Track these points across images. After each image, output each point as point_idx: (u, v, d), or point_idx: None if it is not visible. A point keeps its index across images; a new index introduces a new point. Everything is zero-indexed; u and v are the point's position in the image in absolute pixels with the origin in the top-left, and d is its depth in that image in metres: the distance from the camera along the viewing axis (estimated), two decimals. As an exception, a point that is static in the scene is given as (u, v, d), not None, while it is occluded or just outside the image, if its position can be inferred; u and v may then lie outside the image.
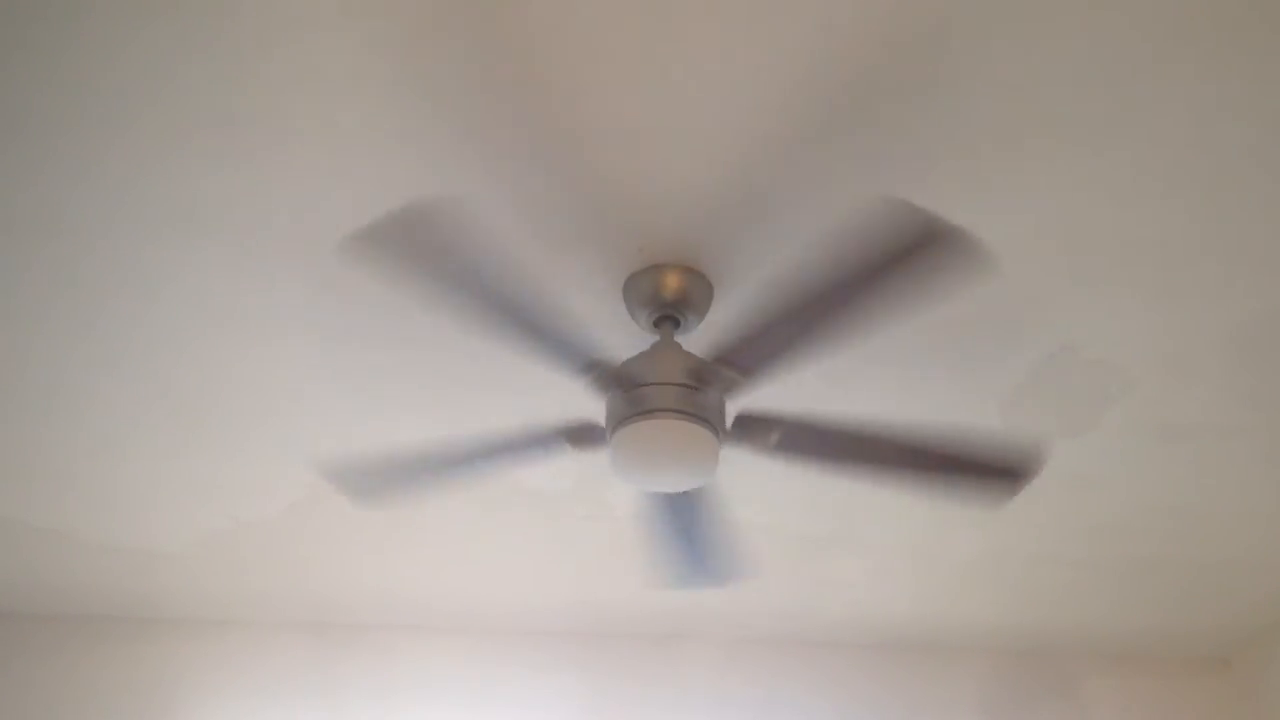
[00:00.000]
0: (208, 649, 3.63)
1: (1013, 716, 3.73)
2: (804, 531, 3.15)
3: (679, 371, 2.01)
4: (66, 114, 1.83)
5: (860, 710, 3.72)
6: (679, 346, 2.11)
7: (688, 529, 2.39)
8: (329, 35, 1.70)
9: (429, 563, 3.36)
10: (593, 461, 2.81)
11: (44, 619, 3.63)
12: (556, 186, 1.98)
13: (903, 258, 1.70)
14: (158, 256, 2.16)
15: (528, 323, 1.91)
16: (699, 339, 2.29)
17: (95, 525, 3.15)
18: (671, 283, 2.18)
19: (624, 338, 2.30)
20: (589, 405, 2.47)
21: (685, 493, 2.25)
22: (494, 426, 2.66)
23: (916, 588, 3.48)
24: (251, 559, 3.36)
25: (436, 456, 2.20)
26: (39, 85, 1.78)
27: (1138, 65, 1.74)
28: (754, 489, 2.92)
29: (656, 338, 2.19)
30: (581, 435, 2.14)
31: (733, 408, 2.14)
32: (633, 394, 2.01)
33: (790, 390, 2.46)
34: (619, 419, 2.02)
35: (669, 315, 2.18)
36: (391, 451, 2.31)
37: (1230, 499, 2.97)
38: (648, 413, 1.98)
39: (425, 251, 1.76)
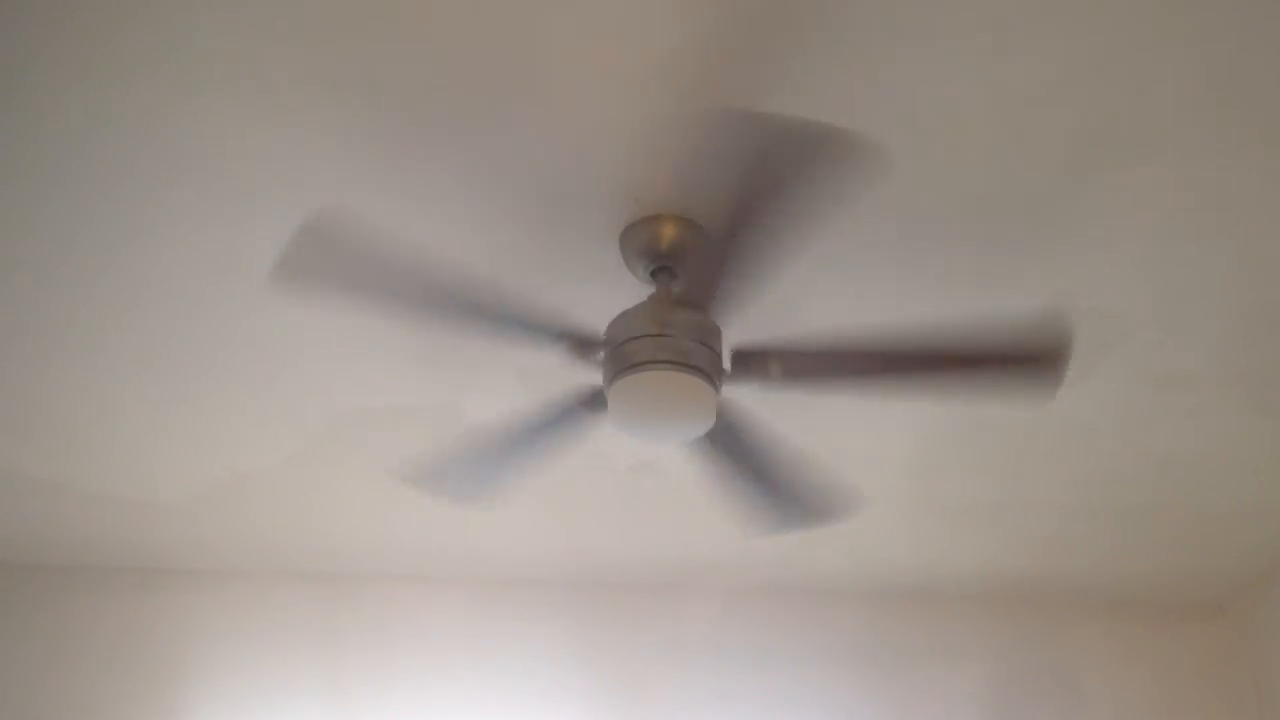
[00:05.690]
0: (206, 600, 3.65)
1: (1008, 663, 3.77)
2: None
3: (662, 323, 2.01)
4: (76, 64, 1.82)
5: (857, 658, 3.76)
6: (669, 297, 2.10)
7: (757, 472, 2.36)
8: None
9: (428, 514, 3.37)
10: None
11: (45, 570, 3.64)
12: (546, 139, 1.96)
13: (795, 168, 1.69)
14: (163, 208, 2.16)
15: (484, 312, 1.96)
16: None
17: (95, 476, 3.16)
18: (668, 233, 2.17)
19: (623, 290, 2.30)
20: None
21: (736, 436, 2.23)
22: (493, 387, 2.70)
23: (912, 535, 3.50)
24: (251, 511, 3.37)
25: (495, 447, 2.28)
26: (48, 35, 1.77)
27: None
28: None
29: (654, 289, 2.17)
30: (593, 397, 2.15)
31: (729, 348, 2.13)
32: (623, 349, 2.01)
33: (794, 319, 2.42)
34: (612, 375, 2.03)
35: (665, 266, 2.17)
36: (457, 450, 2.35)
37: (1225, 447, 2.98)
38: (638, 365, 1.98)
39: (342, 264, 1.88)
